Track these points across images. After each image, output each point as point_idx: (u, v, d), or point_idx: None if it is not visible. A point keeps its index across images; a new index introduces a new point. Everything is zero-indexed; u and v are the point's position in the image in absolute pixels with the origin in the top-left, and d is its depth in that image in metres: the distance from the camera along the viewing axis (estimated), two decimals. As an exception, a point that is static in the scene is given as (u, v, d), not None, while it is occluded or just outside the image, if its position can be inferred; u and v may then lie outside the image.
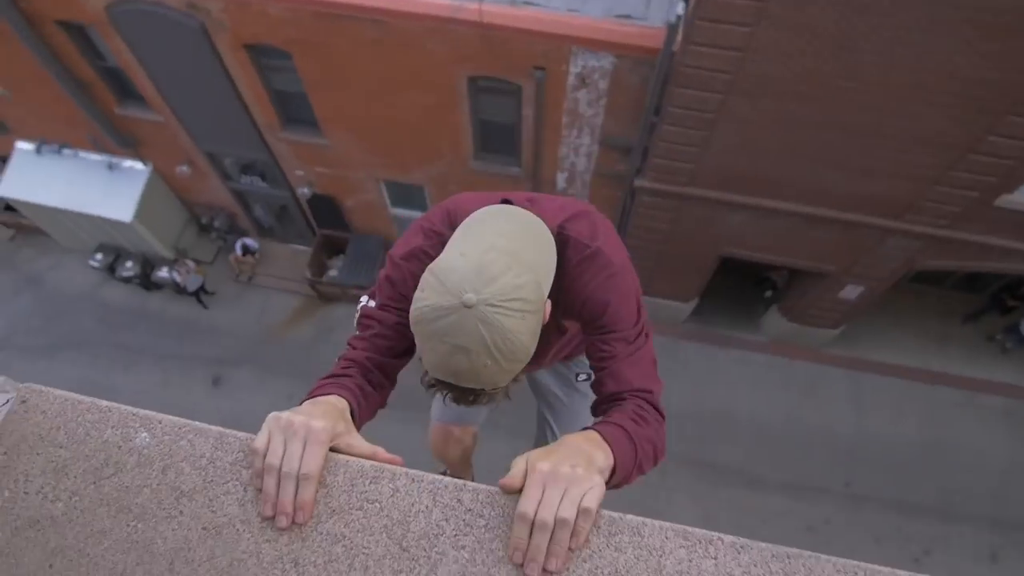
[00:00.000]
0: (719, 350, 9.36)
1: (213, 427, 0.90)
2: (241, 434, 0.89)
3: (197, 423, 0.90)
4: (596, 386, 1.17)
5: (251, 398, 9.61)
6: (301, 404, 0.98)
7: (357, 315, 1.23)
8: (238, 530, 0.82)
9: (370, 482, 0.85)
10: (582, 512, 0.77)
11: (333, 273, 10.67)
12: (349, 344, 1.20)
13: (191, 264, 10.61)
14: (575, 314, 1.17)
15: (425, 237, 1.17)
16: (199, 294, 10.52)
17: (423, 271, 0.94)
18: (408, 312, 0.95)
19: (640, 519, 0.80)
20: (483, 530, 0.80)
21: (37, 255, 11.33)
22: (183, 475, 0.86)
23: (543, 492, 0.78)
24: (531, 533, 0.76)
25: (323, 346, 10.15)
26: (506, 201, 1.12)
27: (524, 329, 0.90)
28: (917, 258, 7.40)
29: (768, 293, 9.50)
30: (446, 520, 0.81)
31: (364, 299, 1.25)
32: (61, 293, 10.76)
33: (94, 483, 0.86)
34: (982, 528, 7.80)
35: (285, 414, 0.87)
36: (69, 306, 10.58)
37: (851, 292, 8.32)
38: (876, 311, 8.99)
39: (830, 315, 8.83)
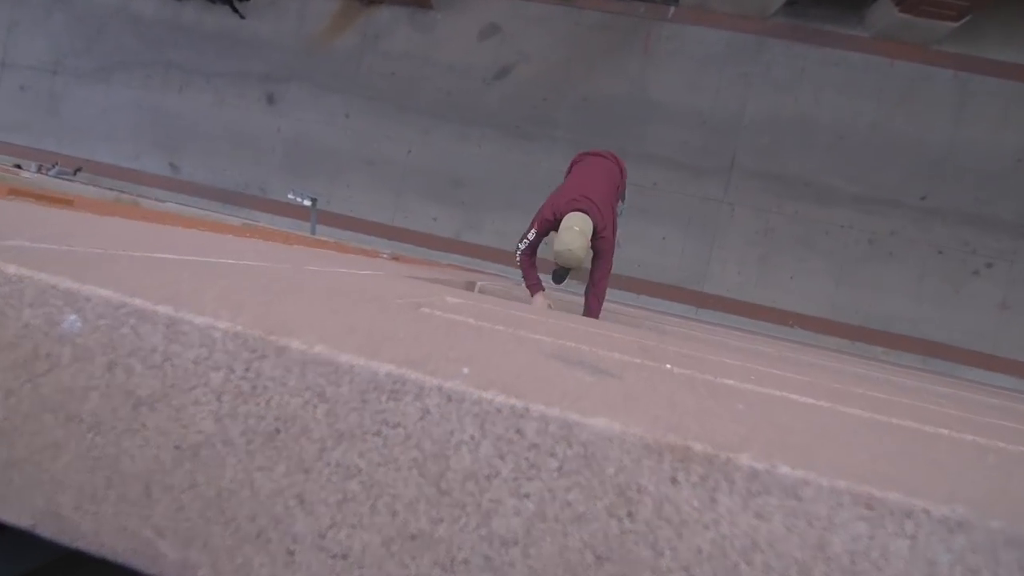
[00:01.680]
0: (810, 49, 8.05)
1: (160, 308, 0.61)
2: (199, 320, 0.61)
3: (136, 300, 0.61)
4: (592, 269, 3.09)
5: (309, 116, 9.35)
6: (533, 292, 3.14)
7: (527, 239, 3.07)
8: (220, 452, 0.59)
9: (388, 398, 0.57)
10: None
11: (370, -31, 9.25)
12: (524, 249, 3.07)
13: (215, -34, 9.36)
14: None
15: (552, 214, 2.95)
16: (231, 1, 9.51)
17: (550, 225, 2.95)
18: (542, 233, 3.01)
19: (800, 475, 0.51)
20: (555, 475, 0.54)
21: (53, -37, 10.21)
22: (135, 375, 0.61)
23: None
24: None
25: (371, 57, 9.36)
26: (580, 208, 2.84)
27: (584, 251, 2.79)
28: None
29: (884, -28, 7.69)
30: (501, 457, 0.55)
31: (531, 234, 3.05)
32: (92, 9, 9.94)
33: (29, 381, 0.63)
34: (1057, 243, 7.41)
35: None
36: (105, 24, 9.86)
37: (995, -32, 6.59)
38: (1012, -3, 7.25)
39: (955, 2, 7.18)
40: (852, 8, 7.89)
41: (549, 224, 2.92)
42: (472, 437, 0.55)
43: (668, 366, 1.12)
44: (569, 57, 8.76)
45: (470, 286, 3.25)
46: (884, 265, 7.64)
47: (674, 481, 0.53)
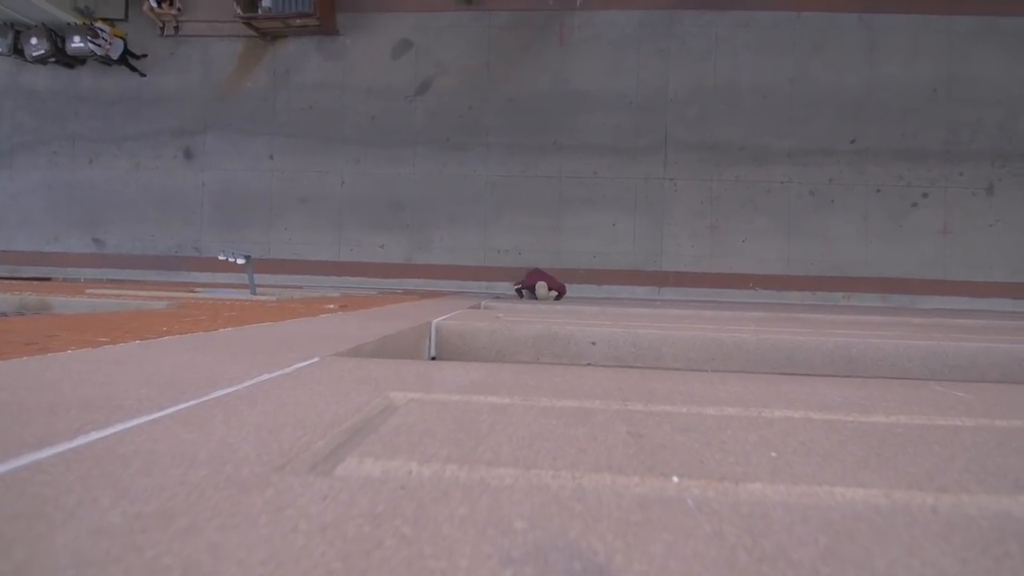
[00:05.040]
0: (718, 15, 7.96)
1: None
2: None
3: None
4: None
5: (231, 164, 8.82)
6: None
7: (516, 286, 6.10)
8: None
9: None
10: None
11: (267, 4, 8.75)
12: (518, 291, 5.98)
13: (104, 28, 8.71)
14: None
15: (532, 279, 5.82)
16: (127, 60, 8.87)
17: (533, 284, 5.80)
18: (525, 288, 5.92)
19: None
20: None
21: (-72, 51, 9.34)
22: None
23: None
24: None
25: (286, 93, 8.89)
26: (541, 279, 5.77)
27: (545, 294, 5.63)
28: None
29: (776, -71, 7.65)
30: None
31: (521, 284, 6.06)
32: (-21, 90, 9.16)
33: None
34: (982, 163, 7.50)
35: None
36: (-5, 104, 9.10)
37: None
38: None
39: (849, -56, 7.20)
40: (752, -32, 7.84)
41: (529, 285, 5.67)
42: None
43: (675, 479, 0.85)
44: (487, 61, 8.47)
45: (423, 334, 2.93)
46: (829, 213, 7.64)
47: None
